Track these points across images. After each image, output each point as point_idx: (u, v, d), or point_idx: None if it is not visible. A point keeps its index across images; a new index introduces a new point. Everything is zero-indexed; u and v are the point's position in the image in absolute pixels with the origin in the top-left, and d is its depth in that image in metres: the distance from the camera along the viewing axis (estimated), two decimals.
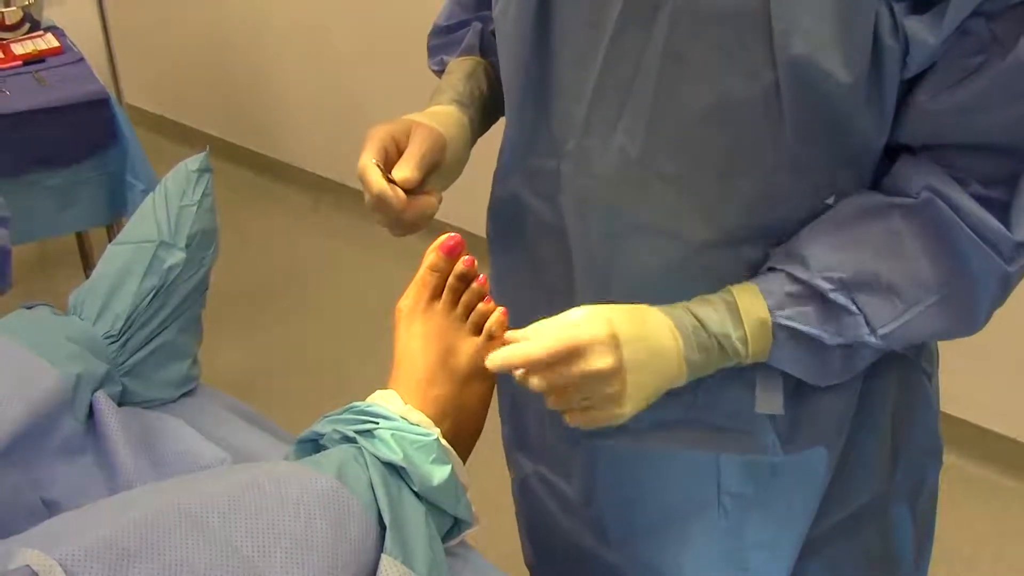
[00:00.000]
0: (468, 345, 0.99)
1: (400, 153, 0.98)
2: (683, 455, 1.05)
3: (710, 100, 0.87)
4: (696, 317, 0.91)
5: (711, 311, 0.92)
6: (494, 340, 1.00)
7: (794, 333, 0.91)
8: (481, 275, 1.00)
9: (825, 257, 0.90)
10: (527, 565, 1.37)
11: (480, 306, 1.00)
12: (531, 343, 0.89)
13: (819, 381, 0.96)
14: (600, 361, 0.87)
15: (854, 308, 0.90)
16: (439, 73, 1.21)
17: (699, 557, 1.10)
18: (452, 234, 1.00)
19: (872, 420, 1.05)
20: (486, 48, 1.17)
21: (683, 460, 1.06)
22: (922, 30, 0.80)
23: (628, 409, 0.90)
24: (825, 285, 0.89)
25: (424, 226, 1.01)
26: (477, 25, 1.18)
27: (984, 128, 0.85)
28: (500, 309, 1.00)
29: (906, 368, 1.05)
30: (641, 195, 0.94)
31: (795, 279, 0.91)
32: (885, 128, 0.88)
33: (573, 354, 0.87)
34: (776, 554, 1.08)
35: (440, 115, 1.05)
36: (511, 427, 1.28)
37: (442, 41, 1.21)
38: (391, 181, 0.95)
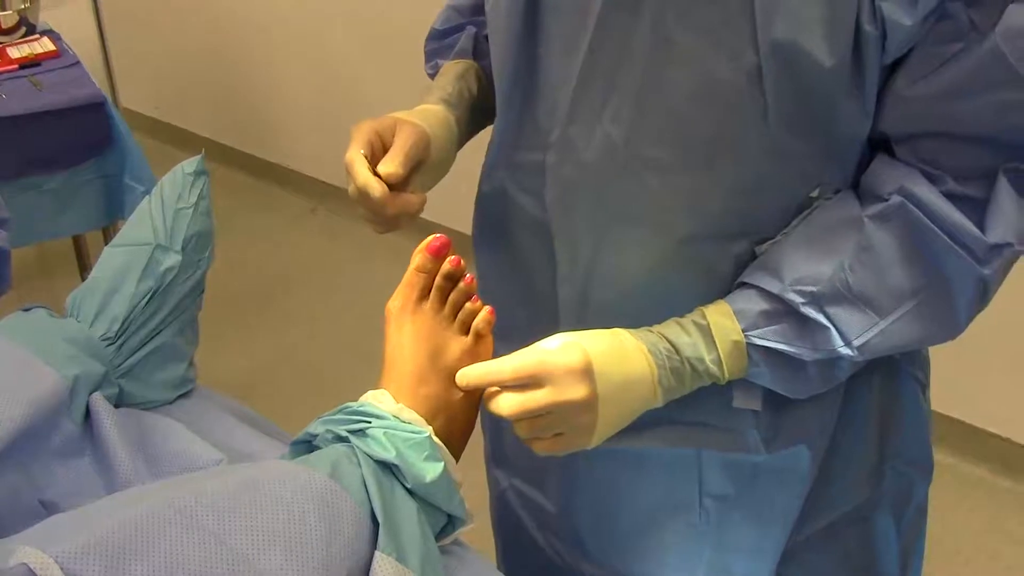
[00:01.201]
0: (456, 344, 1.00)
1: (385, 149, 0.99)
2: (664, 457, 1.05)
3: (696, 84, 0.87)
4: (669, 341, 0.92)
5: (683, 335, 0.92)
6: (482, 339, 1.01)
7: (770, 352, 0.91)
8: (468, 275, 1.01)
9: (797, 270, 0.90)
10: None
11: (468, 305, 1.01)
12: (501, 362, 0.90)
13: (798, 395, 0.96)
14: (573, 391, 0.88)
15: (826, 322, 0.89)
16: (434, 77, 1.22)
17: (680, 563, 1.09)
18: (439, 235, 1.00)
19: (856, 423, 1.04)
20: (479, 52, 1.18)
21: (663, 462, 1.06)
22: (898, 12, 0.80)
23: (597, 438, 0.92)
24: (797, 299, 0.89)
25: (407, 224, 1.02)
26: (471, 29, 1.19)
27: (961, 117, 0.85)
28: (487, 308, 1.01)
29: (890, 370, 1.04)
30: (626, 183, 0.94)
31: (767, 294, 0.91)
32: (867, 116, 0.88)
33: (543, 379, 0.88)
34: (758, 559, 1.07)
35: (426, 113, 1.06)
36: (490, 442, 1.28)
37: (437, 45, 1.22)
38: (376, 175, 0.96)
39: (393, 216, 0.99)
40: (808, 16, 0.81)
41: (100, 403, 1.05)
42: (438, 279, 1.00)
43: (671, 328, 0.93)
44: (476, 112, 1.14)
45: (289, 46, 3.50)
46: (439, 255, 1.00)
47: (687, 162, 0.91)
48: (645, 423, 1.00)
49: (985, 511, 2.34)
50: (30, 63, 2.48)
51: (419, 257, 1.00)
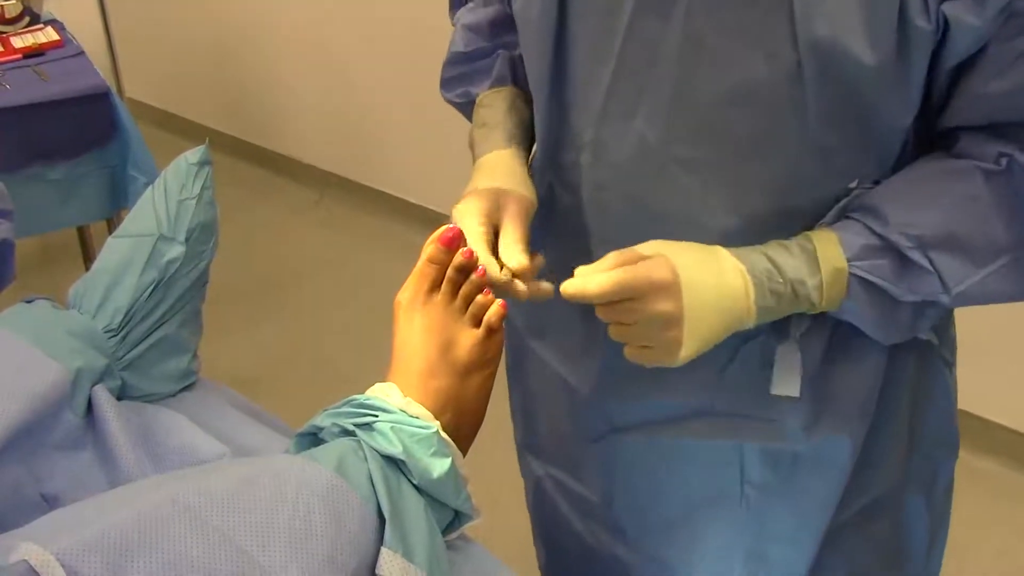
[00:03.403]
0: (467, 337, 0.98)
1: (496, 228, 1.00)
2: (705, 447, 1.05)
3: (731, 84, 0.87)
4: (772, 261, 0.91)
5: (788, 256, 0.91)
6: (493, 332, 1.00)
7: (868, 286, 0.91)
8: (480, 267, 1.00)
9: (903, 214, 0.90)
10: (540, 569, 1.37)
11: (479, 298, 0.99)
12: (587, 280, 0.90)
13: (886, 338, 0.96)
14: (659, 305, 0.88)
15: (930, 267, 0.89)
16: (461, 105, 1.19)
17: (718, 550, 1.10)
18: (451, 226, 0.99)
19: (892, 407, 1.05)
20: (518, 77, 1.15)
21: (705, 452, 1.06)
22: (964, 13, 0.80)
23: (684, 355, 0.90)
24: (903, 242, 0.89)
25: None
26: (505, 53, 1.15)
27: None
28: (499, 301, 1.00)
29: (926, 354, 1.05)
30: (660, 183, 0.94)
31: (872, 232, 0.91)
32: (910, 111, 0.88)
33: (631, 295, 0.88)
34: (797, 546, 1.08)
35: (509, 166, 1.06)
36: (522, 429, 1.28)
37: (463, 71, 1.19)
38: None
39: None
40: (848, 14, 0.81)
41: (103, 396, 1.04)
42: (449, 271, 0.99)
43: (775, 248, 0.92)
44: (530, 141, 1.13)
45: (293, 36, 3.50)
46: (451, 246, 0.99)
47: (723, 161, 0.91)
48: (685, 415, 0.99)
49: (994, 504, 2.33)
50: (34, 53, 2.47)
51: (431, 248, 0.99)
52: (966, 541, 2.21)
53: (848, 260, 0.90)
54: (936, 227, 0.89)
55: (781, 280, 0.90)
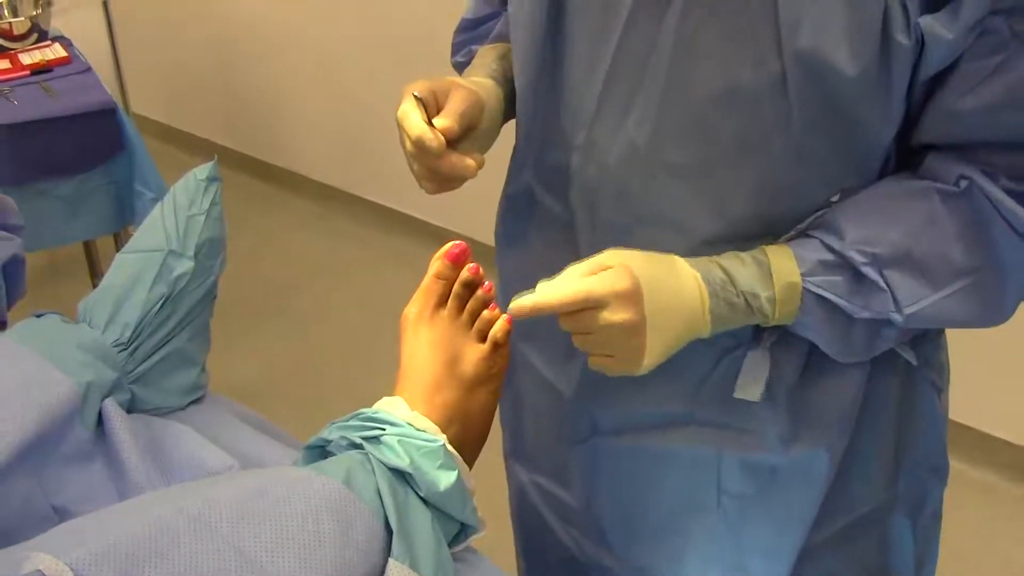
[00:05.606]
0: (473, 352, 0.99)
1: (439, 108, 0.97)
2: (684, 456, 1.05)
3: (719, 88, 0.88)
4: (726, 272, 0.91)
5: (741, 267, 0.92)
6: (499, 347, 1.00)
7: (821, 302, 0.91)
8: (487, 282, 1.01)
9: (861, 230, 0.90)
10: None
11: (485, 313, 1.00)
12: (549, 291, 0.89)
13: (841, 355, 0.96)
14: (620, 314, 0.87)
15: (883, 284, 0.90)
16: (464, 64, 1.20)
17: (699, 561, 1.10)
18: (457, 242, 1.00)
19: (874, 427, 1.04)
20: None
21: (683, 460, 1.06)
22: (937, 26, 0.81)
23: (647, 362, 0.90)
24: (858, 258, 0.89)
25: (457, 185, 0.99)
26: (507, 15, 1.18)
27: (1011, 125, 0.85)
28: (505, 317, 1.00)
29: (910, 376, 1.04)
30: (649, 185, 0.94)
31: (829, 248, 0.91)
32: (892, 123, 0.89)
33: (592, 304, 0.88)
34: (775, 559, 1.07)
35: (477, 83, 1.05)
36: (510, 435, 1.28)
37: (470, 35, 1.21)
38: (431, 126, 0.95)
39: (447, 175, 0.97)
40: (832, 26, 0.81)
41: (112, 409, 1.05)
42: (456, 286, 1.00)
43: (729, 259, 0.93)
44: (511, 89, 1.12)
45: (297, 52, 3.51)
46: (458, 262, 1.00)
47: (710, 165, 0.92)
48: (666, 421, 0.98)
49: (995, 516, 2.33)
50: (42, 69, 2.49)
51: (438, 264, 1.00)
52: (966, 553, 2.22)
53: (802, 275, 0.91)
54: (893, 246, 0.89)
55: (734, 290, 0.91)
